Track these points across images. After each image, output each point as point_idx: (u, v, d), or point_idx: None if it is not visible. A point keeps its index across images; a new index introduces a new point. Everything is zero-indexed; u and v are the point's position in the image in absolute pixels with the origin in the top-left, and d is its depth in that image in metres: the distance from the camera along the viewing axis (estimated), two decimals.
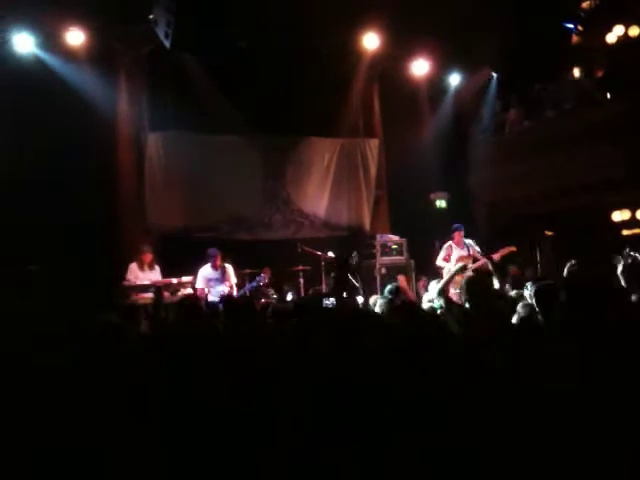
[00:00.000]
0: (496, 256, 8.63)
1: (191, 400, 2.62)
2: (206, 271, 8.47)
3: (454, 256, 8.96)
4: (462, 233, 9.05)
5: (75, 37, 9.32)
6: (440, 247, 9.57)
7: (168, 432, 2.51)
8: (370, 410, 2.44)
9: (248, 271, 9.11)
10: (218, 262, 8.46)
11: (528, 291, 5.00)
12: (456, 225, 9.14)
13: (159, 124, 10.31)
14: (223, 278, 8.47)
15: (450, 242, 9.08)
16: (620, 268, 7.96)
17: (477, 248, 8.86)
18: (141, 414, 2.58)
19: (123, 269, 8.53)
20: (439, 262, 9.09)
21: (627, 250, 8.14)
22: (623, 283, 6.01)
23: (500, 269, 8.21)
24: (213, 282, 8.46)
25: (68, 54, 9.33)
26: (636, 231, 9.30)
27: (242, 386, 2.67)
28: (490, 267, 5.70)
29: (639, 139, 9.35)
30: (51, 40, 9.32)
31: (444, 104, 11.96)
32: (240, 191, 10.80)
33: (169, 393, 2.70)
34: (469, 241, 8.99)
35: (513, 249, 8.70)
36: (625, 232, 9.31)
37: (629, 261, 8.31)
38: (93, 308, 5.28)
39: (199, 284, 8.38)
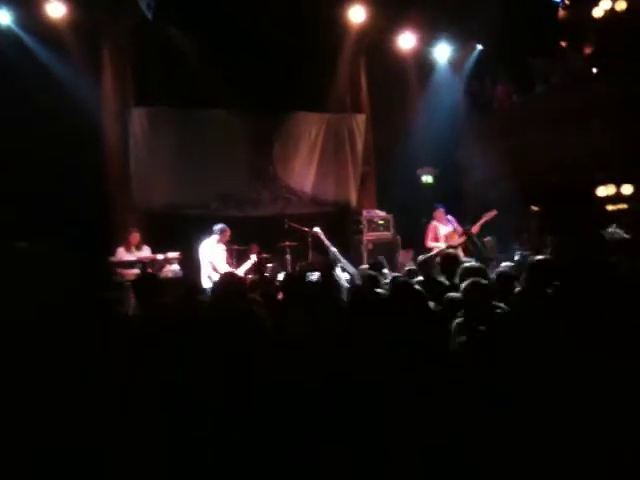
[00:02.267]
0: (475, 228, 8.77)
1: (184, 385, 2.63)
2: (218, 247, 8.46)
3: (441, 234, 9.11)
4: (442, 211, 9.31)
5: (55, 9, 9.14)
6: (427, 225, 9.65)
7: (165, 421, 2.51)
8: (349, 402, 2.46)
9: (235, 247, 9.08)
10: (226, 239, 8.50)
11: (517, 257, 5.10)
12: (435, 204, 9.43)
13: (144, 99, 10.19)
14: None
15: (433, 222, 9.25)
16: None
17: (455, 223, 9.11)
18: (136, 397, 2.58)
19: (111, 246, 8.50)
20: (430, 244, 9.20)
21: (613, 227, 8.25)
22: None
23: (477, 243, 8.38)
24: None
25: (48, 27, 9.15)
26: (620, 206, 9.34)
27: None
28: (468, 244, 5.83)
29: (626, 114, 9.36)
30: (30, 12, 9.13)
31: (432, 78, 11.89)
32: (227, 167, 10.73)
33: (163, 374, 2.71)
34: (451, 217, 9.16)
35: (494, 213, 8.83)
36: (610, 207, 9.36)
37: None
38: (88, 285, 5.26)
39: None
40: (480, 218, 8.92)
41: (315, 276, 7.85)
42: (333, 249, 8.69)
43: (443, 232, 9.17)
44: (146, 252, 8.61)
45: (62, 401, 2.51)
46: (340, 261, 8.38)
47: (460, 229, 9.09)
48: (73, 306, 4.12)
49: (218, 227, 8.48)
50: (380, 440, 2.37)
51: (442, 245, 8.91)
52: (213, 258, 8.26)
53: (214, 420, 2.52)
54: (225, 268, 8.45)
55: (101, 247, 8.53)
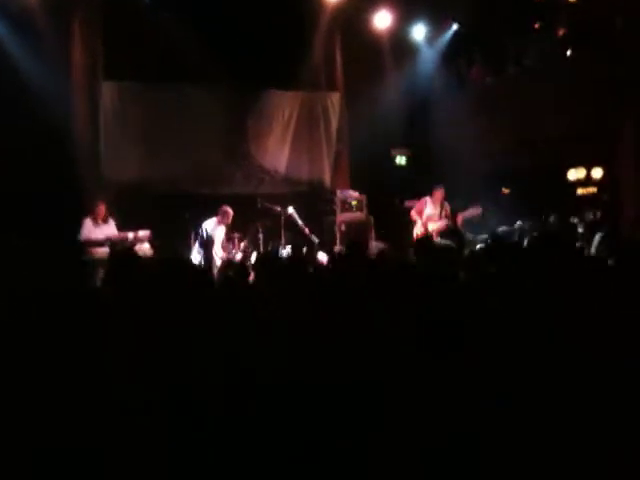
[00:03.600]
0: (459, 219, 8.83)
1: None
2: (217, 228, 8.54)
3: (425, 214, 9.11)
4: (441, 192, 9.17)
5: None
6: (400, 203, 9.67)
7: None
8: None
9: (236, 235, 9.08)
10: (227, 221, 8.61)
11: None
12: (436, 184, 9.28)
13: (115, 73, 9.99)
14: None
15: (427, 197, 9.19)
16: (581, 229, 8.16)
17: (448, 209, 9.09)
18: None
19: (79, 218, 8.40)
20: (413, 214, 9.22)
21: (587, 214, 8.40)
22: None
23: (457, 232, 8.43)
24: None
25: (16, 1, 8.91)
26: (590, 190, 9.45)
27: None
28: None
29: (599, 97, 9.43)
30: None
31: (407, 57, 11.82)
32: (199, 144, 10.59)
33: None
34: (447, 203, 9.15)
35: (479, 211, 8.86)
36: (580, 191, 9.46)
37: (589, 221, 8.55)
38: (54, 268, 5.18)
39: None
40: (465, 210, 8.92)
41: (285, 252, 7.89)
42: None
43: (429, 211, 9.15)
44: (112, 225, 8.53)
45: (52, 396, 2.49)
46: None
47: (446, 217, 9.04)
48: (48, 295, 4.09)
49: (220, 209, 8.63)
50: (380, 435, 2.37)
51: (419, 222, 9.00)
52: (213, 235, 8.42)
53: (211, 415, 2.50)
54: (219, 250, 8.53)
55: (70, 224, 8.42)
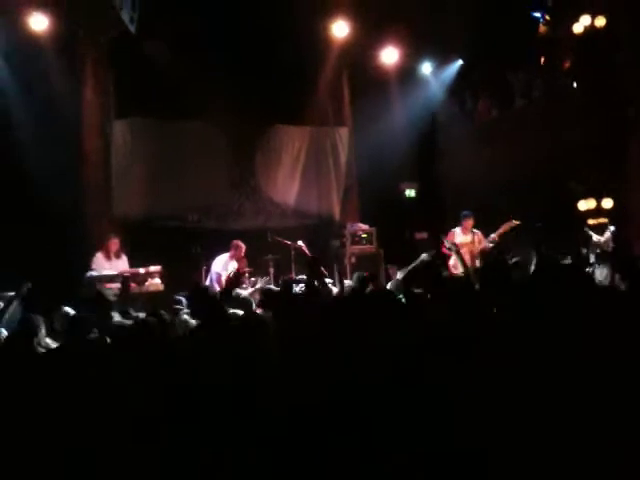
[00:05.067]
0: (494, 236, 8.73)
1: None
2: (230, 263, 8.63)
3: (457, 241, 8.96)
4: (470, 220, 9.04)
5: (38, 22, 9.07)
6: (411, 235, 9.61)
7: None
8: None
9: (248, 270, 9.05)
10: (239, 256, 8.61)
11: None
12: (465, 212, 9.14)
13: (125, 111, 10.16)
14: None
15: (456, 228, 9.10)
16: (592, 258, 8.09)
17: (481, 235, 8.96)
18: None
19: (89, 259, 8.43)
20: (444, 250, 9.07)
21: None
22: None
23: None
24: None
25: (30, 40, 9.10)
26: (601, 220, 9.41)
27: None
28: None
29: (605, 128, 9.47)
30: (12, 25, 9.07)
31: (415, 92, 11.95)
32: (209, 179, 10.69)
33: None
34: (476, 230, 9.02)
35: (513, 224, 8.76)
36: (591, 221, 9.42)
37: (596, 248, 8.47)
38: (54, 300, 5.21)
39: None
40: (499, 227, 8.85)
41: (299, 287, 7.84)
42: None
43: (460, 240, 9.01)
44: (124, 261, 8.55)
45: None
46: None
47: (482, 237, 8.92)
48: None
49: (233, 243, 8.68)
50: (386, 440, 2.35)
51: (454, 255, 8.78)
52: (222, 274, 8.37)
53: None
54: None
55: (79, 260, 8.46)
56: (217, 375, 2.75)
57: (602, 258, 7.26)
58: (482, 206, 9.98)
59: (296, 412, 2.47)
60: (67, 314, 4.88)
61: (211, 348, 3.17)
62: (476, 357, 2.70)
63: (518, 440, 2.29)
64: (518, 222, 8.76)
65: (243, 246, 8.79)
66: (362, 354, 2.82)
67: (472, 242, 8.91)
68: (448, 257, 8.57)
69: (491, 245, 8.82)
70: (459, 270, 7.61)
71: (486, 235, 8.97)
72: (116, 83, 9.99)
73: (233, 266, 8.69)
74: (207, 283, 8.68)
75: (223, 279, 8.50)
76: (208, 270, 8.89)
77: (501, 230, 8.83)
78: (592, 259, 7.95)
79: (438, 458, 2.30)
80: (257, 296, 7.64)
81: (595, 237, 8.84)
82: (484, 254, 8.70)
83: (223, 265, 8.62)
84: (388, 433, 2.36)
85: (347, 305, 4.35)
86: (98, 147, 9.94)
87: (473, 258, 8.59)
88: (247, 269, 8.95)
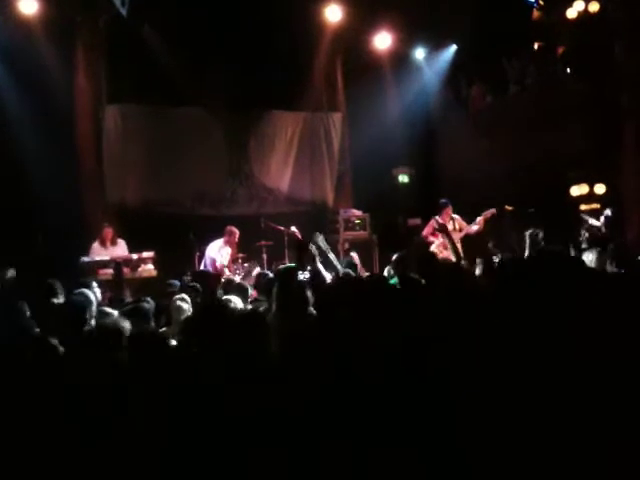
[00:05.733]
0: (478, 226, 8.73)
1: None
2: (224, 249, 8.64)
3: None
4: (448, 209, 8.94)
5: (28, 6, 9.00)
6: (404, 222, 9.60)
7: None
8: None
9: (240, 255, 9.08)
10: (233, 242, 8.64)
11: None
12: (443, 201, 9.02)
13: (118, 96, 10.09)
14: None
15: (437, 217, 9.06)
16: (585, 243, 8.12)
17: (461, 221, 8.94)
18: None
19: (85, 246, 8.43)
20: (427, 236, 9.05)
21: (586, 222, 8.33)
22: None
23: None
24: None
25: (20, 24, 9.02)
26: (594, 206, 9.43)
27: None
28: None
29: (599, 114, 9.47)
30: (2, 11, 8.99)
31: (409, 78, 11.91)
32: (202, 165, 10.67)
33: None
34: (456, 215, 8.98)
35: (493, 211, 8.76)
36: (583, 207, 9.45)
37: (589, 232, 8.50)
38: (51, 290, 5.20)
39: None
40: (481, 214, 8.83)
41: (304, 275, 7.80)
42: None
43: None
44: (122, 246, 8.57)
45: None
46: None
47: (463, 224, 8.91)
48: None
49: (226, 229, 8.68)
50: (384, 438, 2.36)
51: (436, 241, 8.79)
52: (216, 258, 8.38)
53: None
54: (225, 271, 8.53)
55: (74, 247, 8.45)
56: (215, 374, 2.75)
57: (591, 242, 7.30)
58: (476, 192, 10.00)
59: (295, 409, 2.47)
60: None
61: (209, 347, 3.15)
62: (473, 345, 2.71)
63: (517, 433, 2.30)
64: (511, 208, 8.78)
65: (237, 232, 8.81)
66: (362, 346, 2.82)
67: (454, 229, 8.88)
68: (431, 242, 8.65)
69: (475, 229, 8.77)
70: (445, 253, 7.64)
71: (469, 222, 8.95)
72: (108, 68, 9.92)
73: (227, 251, 8.73)
74: (201, 268, 8.68)
75: (217, 264, 8.53)
76: (202, 256, 8.89)
77: (486, 215, 8.78)
78: (584, 244, 7.99)
79: (438, 457, 2.31)
80: (251, 282, 7.67)
81: (591, 221, 8.83)
82: (469, 238, 8.65)
83: (217, 250, 8.65)
84: (388, 432, 2.37)
85: (344, 292, 4.33)
86: (91, 133, 9.88)
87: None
88: (239, 255, 8.97)
